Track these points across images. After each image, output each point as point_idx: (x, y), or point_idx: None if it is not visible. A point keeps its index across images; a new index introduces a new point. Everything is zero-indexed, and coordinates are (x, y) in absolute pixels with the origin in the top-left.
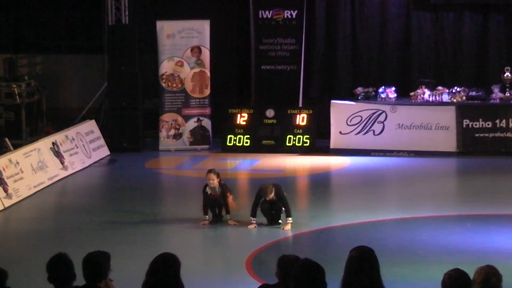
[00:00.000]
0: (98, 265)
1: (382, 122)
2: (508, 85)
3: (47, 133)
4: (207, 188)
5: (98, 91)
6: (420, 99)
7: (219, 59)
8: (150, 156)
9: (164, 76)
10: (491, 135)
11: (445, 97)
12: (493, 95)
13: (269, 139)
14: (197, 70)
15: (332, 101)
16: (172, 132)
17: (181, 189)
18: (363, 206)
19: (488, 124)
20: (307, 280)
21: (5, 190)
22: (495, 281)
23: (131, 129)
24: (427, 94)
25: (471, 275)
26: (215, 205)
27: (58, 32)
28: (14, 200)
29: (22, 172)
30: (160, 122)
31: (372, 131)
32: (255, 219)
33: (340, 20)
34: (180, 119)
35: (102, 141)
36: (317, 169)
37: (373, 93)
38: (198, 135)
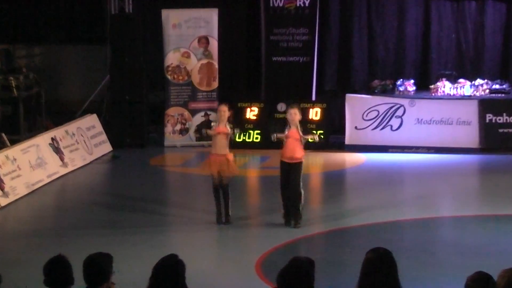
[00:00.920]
0: (99, 267)
1: (400, 117)
2: None
3: (46, 128)
4: (213, 123)
5: (100, 84)
6: (440, 93)
7: (228, 50)
8: (155, 152)
9: (169, 68)
10: None
11: (467, 90)
12: None
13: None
14: (204, 61)
15: (347, 94)
16: (178, 127)
17: (188, 187)
18: (379, 205)
19: None
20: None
21: (2, 188)
22: None
23: (134, 124)
24: (447, 87)
25: (496, 278)
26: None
27: (58, 22)
28: (11, 198)
29: (20, 169)
30: (165, 117)
31: (389, 127)
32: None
33: (356, 9)
34: (186, 113)
35: (104, 137)
36: (331, 166)
37: (390, 86)
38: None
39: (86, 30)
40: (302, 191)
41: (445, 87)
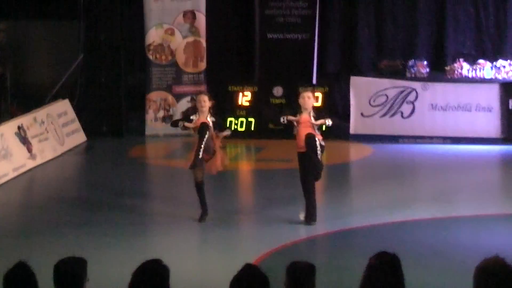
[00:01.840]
0: (71, 273)
1: (412, 103)
2: None
3: (12, 115)
4: (192, 116)
5: (72, 65)
6: (457, 75)
7: (217, 26)
8: (135, 142)
9: (151, 47)
10: None
11: (487, 73)
12: None
13: (277, 123)
14: (190, 39)
15: (352, 77)
16: (161, 113)
17: (172, 182)
18: (388, 203)
19: None
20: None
21: None
22: None
23: (111, 110)
24: (465, 69)
25: None
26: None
27: None
28: None
29: None
30: (146, 102)
31: (400, 113)
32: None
33: None
34: (170, 98)
35: (77, 125)
36: (334, 158)
37: (401, 67)
38: None
39: (58, 3)
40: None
41: (462, 68)
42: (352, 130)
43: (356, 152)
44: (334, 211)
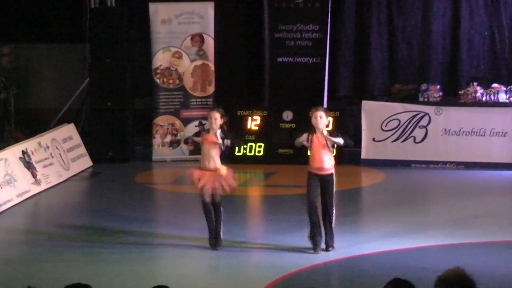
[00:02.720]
0: None
1: (425, 127)
2: None
3: (16, 140)
4: (202, 132)
5: (78, 89)
6: (471, 99)
7: (226, 49)
8: (141, 168)
9: (158, 71)
10: None
11: (502, 97)
12: None
13: (287, 147)
14: (198, 63)
15: (364, 101)
16: (168, 138)
17: (179, 208)
18: (401, 229)
19: None
20: None
21: None
22: None
23: (118, 135)
24: (479, 93)
25: None
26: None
27: (30, 17)
28: None
29: None
30: (153, 127)
31: (412, 138)
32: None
33: (374, 2)
34: (178, 122)
35: (83, 150)
36: (345, 184)
37: (413, 91)
38: None
39: (62, 26)
40: (334, 211)
41: (476, 92)
42: (363, 155)
43: (368, 177)
44: (346, 237)
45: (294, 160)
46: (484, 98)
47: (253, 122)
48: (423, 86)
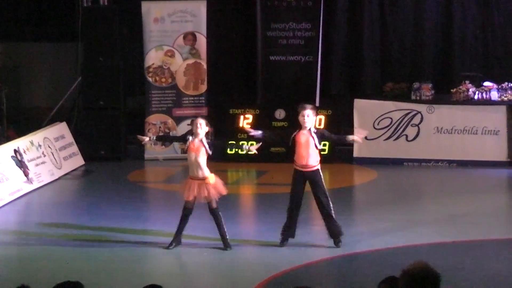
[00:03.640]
0: None
1: (417, 125)
2: None
3: (8, 139)
4: (190, 136)
5: (70, 87)
6: (463, 97)
7: (218, 48)
8: (134, 166)
9: (151, 69)
10: None
11: (494, 95)
12: None
13: (279, 145)
14: (191, 61)
15: (356, 99)
16: None
17: (171, 207)
18: (393, 227)
19: None
20: None
21: None
22: None
23: (110, 134)
24: (471, 91)
25: None
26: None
27: (21, 15)
28: None
29: None
30: (146, 125)
31: (404, 136)
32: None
33: (366, 1)
34: (170, 121)
35: (75, 148)
36: (338, 182)
37: (405, 89)
38: None
39: (54, 25)
40: (331, 203)
41: (468, 91)
42: (356, 153)
43: (360, 175)
44: None
45: (286, 159)
46: (476, 96)
47: (246, 121)
48: (416, 85)
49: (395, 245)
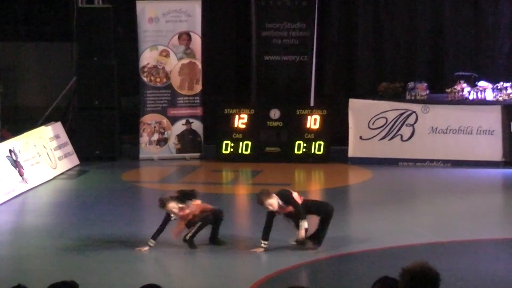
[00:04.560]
0: None
1: (412, 125)
2: None
3: (3, 138)
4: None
5: (65, 87)
6: (458, 97)
7: (213, 48)
8: (129, 166)
9: (145, 69)
10: None
11: (489, 95)
12: None
13: (274, 145)
14: (186, 61)
15: (351, 99)
16: (156, 137)
17: None
18: (388, 228)
19: None
20: None
21: None
22: None
23: (105, 134)
24: (466, 90)
25: None
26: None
27: (16, 15)
28: None
29: None
30: (140, 125)
31: (399, 136)
32: (265, 242)
33: (361, 1)
34: (165, 121)
35: (70, 148)
36: (333, 182)
37: (400, 89)
38: (187, 141)
39: (49, 25)
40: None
41: (463, 90)
42: (350, 153)
43: (355, 175)
44: (332, 235)
45: (281, 159)
46: (471, 96)
47: (240, 121)
48: (410, 84)
49: (389, 245)
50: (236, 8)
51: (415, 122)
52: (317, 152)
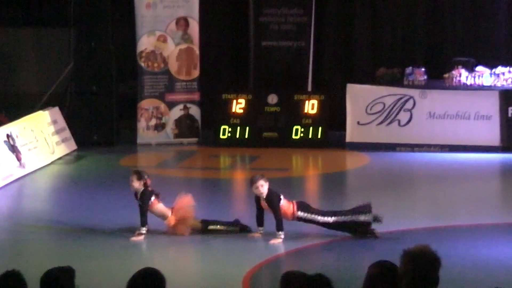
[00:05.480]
0: (59, 284)
1: (410, 110)
2: None
3: (1, 124)
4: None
5: (62, 73)
6: (455, 82)
7: (210, 33)
8: (126, 151)
9: (143, 54)
10: None
11: (487, 80)
12: None
13: (272, 130)
14: (183, 46)
15: (349, 84)
16: (153, 122)
17: (164, 192)
18: (386, 212)
19: None
20: None
21: None
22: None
23: (103, 119)
24: (464, 76)
25: None
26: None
27: (14, 1)
28: None
29: None
30: (138, 110)
31: (397, 121)
32: (261, 228)
33: None
34: (162, 106)
35: (67, 133)
36: (330, 167)
37: (398, 75)
38: (185, 126)
39: (46, 10)
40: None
41: (461, 76)
42: (348, 139)
43: (352, 160)
44: None
45: (279, 144)
46: (469, 82)
47: (238, 106)
48: (408, 70)
49: (387, 230)
50: None
51: (412, 107)
52: (314, 137)
